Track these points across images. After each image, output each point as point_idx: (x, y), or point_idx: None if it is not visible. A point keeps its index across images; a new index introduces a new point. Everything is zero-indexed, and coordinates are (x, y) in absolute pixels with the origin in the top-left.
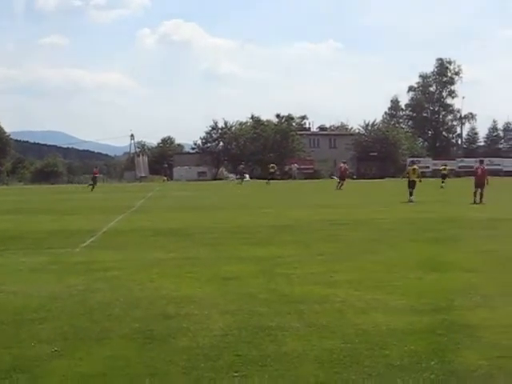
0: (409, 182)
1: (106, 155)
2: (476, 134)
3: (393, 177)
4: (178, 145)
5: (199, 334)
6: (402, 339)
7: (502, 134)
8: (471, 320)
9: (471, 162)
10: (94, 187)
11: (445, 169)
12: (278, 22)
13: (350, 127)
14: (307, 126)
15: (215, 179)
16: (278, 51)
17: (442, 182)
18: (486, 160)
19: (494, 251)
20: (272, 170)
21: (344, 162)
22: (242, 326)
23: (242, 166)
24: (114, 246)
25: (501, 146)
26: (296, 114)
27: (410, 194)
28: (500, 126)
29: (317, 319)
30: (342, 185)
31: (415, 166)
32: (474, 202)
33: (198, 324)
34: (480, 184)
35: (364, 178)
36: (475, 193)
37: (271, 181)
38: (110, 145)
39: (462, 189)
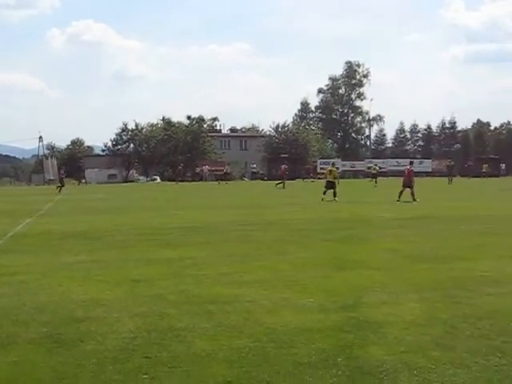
0: (326, 182)
1: (14, 158)
2: (384, 135)
3: (304, 178)
4: (88, 147)
5: (108, 337)
6: (310, 337)
7: (408, 135)
8: (377, 317)
9: (379, 162)
10: (61, 189)
11: (375, 169)
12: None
13: (260, 129)
14: (218, 127)
15: (126, 181)
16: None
17: (375, 182)
18: (393, 161)
19: (397, 250)
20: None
21: (285, 163)
22: (151, 327)
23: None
24: (22, 250)
25: (408, 147)
26: (207, 115)
27: (324, 193)
28: (407, 127)
29: (226, 319)
30: (282, 184)
31: (332, 168)
32: (398, 200)
33: (106, 327)
34: (406, 183)
35: (275, 179)
36: (401, 192)
37: (180, 182)
38: (19, 147)
39: (369, 189)
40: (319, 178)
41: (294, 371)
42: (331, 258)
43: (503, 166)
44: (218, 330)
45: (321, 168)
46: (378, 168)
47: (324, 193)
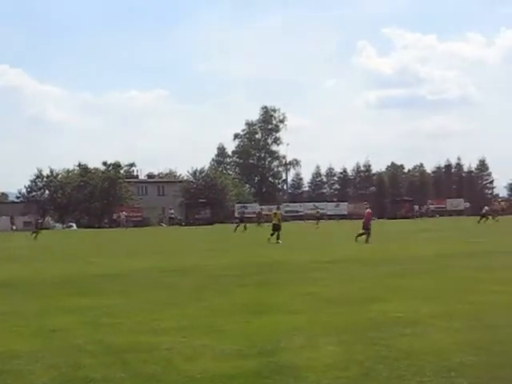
0: (273, 225)
1: None
2: (301, 179)
3: (222, 222)
4: (2, 193)
5: None
6: None
7: (325, 179)
8: (296, 361)
9: (296, 206)
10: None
11: (318, 212)
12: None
13: (178, 174)
14: (135, 173)
15: (41, 229)
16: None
17: (317, 224)
18: (311, 204)
19: (315, 293)
20: None
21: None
22: (66, 379)
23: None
24: None
25: (324, 191)
26: (124, 161)
27: (272, 235)
28: (323, 171)
29: (143, 368)
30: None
31: (277, 211)
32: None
33: (20, 380)
34: (365, 225)
35: (193, 225)
36: (360, 234)
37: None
38: None
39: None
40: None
41: None
42: (249, 303)
43: (416, 207)
44: (135, 379)
45: (238, 212)
46: (319, 211)
47: (271, 235)
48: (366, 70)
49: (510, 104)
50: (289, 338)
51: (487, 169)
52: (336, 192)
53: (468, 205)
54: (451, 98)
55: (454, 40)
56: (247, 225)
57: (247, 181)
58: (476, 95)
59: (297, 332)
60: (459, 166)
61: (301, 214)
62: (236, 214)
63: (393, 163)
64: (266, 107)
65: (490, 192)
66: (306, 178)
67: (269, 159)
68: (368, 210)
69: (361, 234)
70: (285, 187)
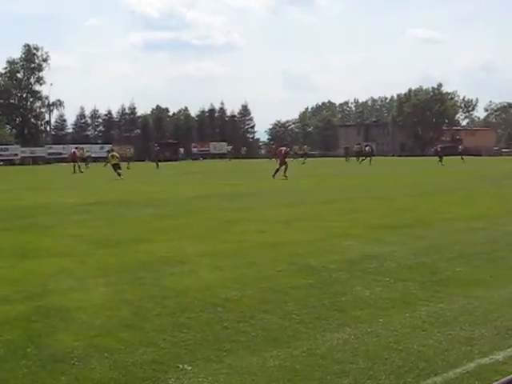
0: (113, 165)
1: None
2: (64, 120)
3: None
4: None
5: None
6: None
7: (89, 120)
8: (65, 303)
9: (59, 148)
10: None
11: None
12: None
13: None
14: None
15: None
16: None
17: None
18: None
19: (81, 235)
20: None
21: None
22: None
23: None
24: None
25: (89, 133)
26: None
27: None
28: (88, 113)
29: None
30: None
31: (114, 153)
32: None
33: None
34: (282, 162)
35: None
36: (277, 169)
37: None
38: None
39: (53, 175)
40: None
41: None
42: (13, 247)
43: (182, 150)
44: None
45: None
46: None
47: (118, 174)
48: (132, 11)
49: (271, 51)
50: (57, 281)
51: (249, 113)
52: (101, 134)
53: (230, 148)
54: (216, 44)
55: None
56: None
57: (8, 122)
58: (240, 41)
59: (65, 275)
60: (222, 110)
61: (64, 155)
62: None
63: (158, 106)
64: (28, 45)
65: (251, 136)
66: (70, 119)
67: (31, 99)
68: (284, 148)
69: (277, 170)
70: (48, 129)
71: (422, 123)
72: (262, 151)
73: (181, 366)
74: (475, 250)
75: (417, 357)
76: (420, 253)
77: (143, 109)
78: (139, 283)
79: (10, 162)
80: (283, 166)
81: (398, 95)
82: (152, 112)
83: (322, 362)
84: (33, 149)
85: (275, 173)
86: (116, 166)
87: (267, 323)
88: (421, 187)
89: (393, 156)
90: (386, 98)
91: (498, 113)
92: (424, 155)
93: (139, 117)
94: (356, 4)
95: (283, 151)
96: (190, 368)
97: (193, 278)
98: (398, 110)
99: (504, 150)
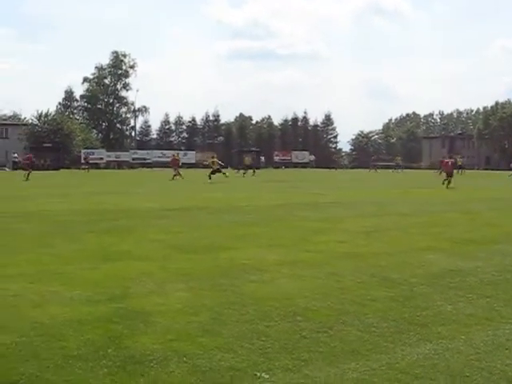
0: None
1: None
2: (149, 126)
3: (68, 168)
4: None
5: None
6: (78, 329)
7: (173, 127)
8: (145, 306)
9: (144, 153)
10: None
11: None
12: None
13: (23, 117)
14: None
15: None
16: None
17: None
18: (158, 152)
19: (163, 240)
20: None
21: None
22: None
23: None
24: None
25: (172, 139)
26: None
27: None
28: (172, 119)
29: None
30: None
31: (215, 159)
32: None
33: None
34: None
35: (39, 169)
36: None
37: None
38: None
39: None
40: (87, 169)
41: (64, 364)
42: (97, 249)
43: (263, 158)
44: None
45: (84, 158)
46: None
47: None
48: (218, 21)
49: (355, 61)
50: (138, 284)
51: (332, 123)
52: (184, 141)
53: (313, 157)
54: (300, 53)
55: None
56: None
57: (95, 126)
58: (324, 50)
59: (146, 278)
60: (305, 119)
61: (148, 161)
62: (82, 160)
63: (241, 114)
64: (116, 52)
65: (334, 146)
66: (155, 125)
67: (117, 105)
68: (451, 160)
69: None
70: (133, 134)
71: (508, 137)
72: (345, 161)
73: (258, 374)
74: None
75: (499, 376)
76: (505, 270)
77: (227, 117)
78: (219, 289)
79: (96, 166)
80: (451, 178)
81: (484, 108)
82: (235, 120)
83: (402, 376)
84: (118, 153)
85: (447, 184)
86: (216, 171)
87: (346, 335)
88: (506, 202)
89: (478, 169)
90: (472, 111)
91: None
92: (510, 169)
93: (223, 124)
94: (442, 14)
95: (450, 163)
96: (267, 376)
97: (272, 287)
98: (484, 123)
99: None
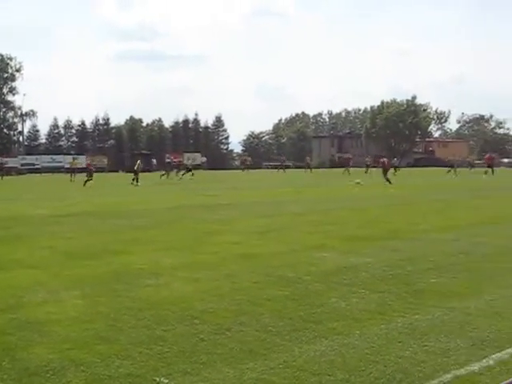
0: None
1: None
2: (37, 131)
3: None
4: None
5: None
6: None
7: (62, 131)
8: (40, 316)
9: (33, 159)
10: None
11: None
12: None
13: None
14: None
15: None
16: None
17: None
18: (48, 157)
19: (55, 247)
20: None
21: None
22: None
23: None
24: None
25: (62, 143)
26: None
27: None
28: (61, 123)
29: None
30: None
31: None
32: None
33: None
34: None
35: None
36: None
37: None
38: None
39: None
40: None
41: None
42: None
43: (154, 160)
44: None
45: None
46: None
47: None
48: (106, 23)
49: (245, 62)
50: (31, 293)
51: (223, 125)
52: (74, 145)
53: (205, 159)
54: (189, 54)
55: None
56: None
57: None
58: (213, 52)
59: (39, 287)
60: (196, 121)
61: (38, 166)
62: None
63: (131, 117)
64: (1, 55)
65: (225, 147)
66: (43, 129)
67: (4, 110)
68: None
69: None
70: (20, 139)
71: (395, 135)
72: (236, 162)
73: (157, 379)
74: (449, 261)
75: (394, 368)
76: (394, 265)
77: (117, 119)
78: (114, 295)
79: None
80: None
81: (371, 107)
82: (126, 123)
83: (299, 374)
84: (5, 159)
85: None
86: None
87: (244, 335)
88: (391, 199)
89: (367, 167)
90: (360, 110)
91: (470, 124)
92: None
93: (113, 127)
94: (328, 15)
95: (386, 162)
96: (166, 381)
97: (168, 290)
98: (372, 122)
99: (477, 162)
